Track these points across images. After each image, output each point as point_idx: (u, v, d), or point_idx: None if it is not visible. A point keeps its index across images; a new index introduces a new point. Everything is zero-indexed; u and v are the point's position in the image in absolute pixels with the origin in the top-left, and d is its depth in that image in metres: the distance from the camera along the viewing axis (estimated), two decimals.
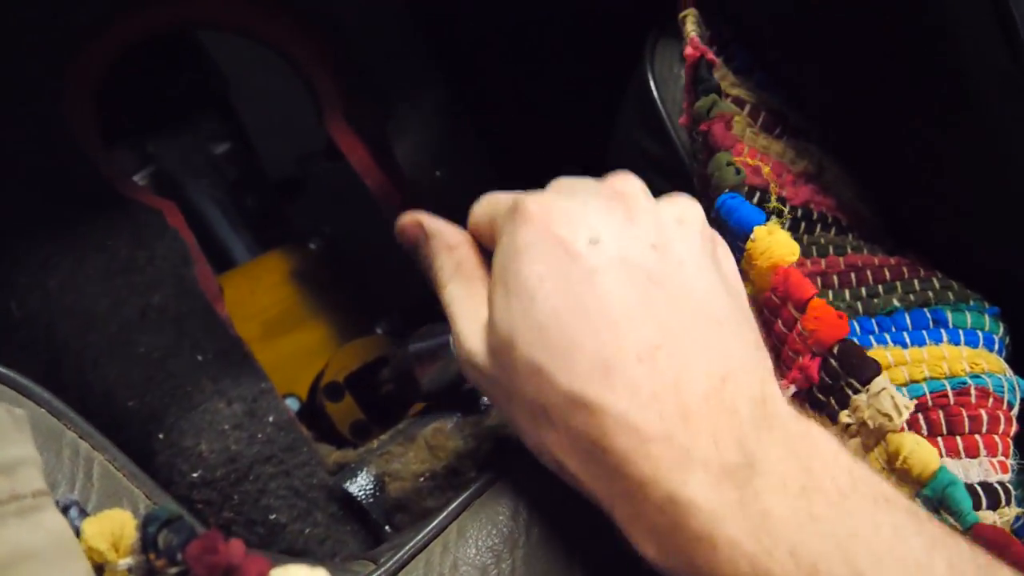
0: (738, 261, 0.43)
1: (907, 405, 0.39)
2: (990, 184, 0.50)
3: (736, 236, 0.45)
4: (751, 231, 0.44)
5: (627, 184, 0.37)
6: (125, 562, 0.32)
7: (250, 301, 0.70)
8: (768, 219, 0.45)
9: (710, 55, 0.52)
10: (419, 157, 0.62)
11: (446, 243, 0.42)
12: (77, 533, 0.32)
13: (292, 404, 0.65)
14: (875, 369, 0.39)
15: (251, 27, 0.66)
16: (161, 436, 0.52)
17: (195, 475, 0.51)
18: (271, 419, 0.53)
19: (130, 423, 0.52)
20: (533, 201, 0.36)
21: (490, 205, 0.40)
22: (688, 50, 0.52)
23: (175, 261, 0.55)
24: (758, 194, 0.54)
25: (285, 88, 0.77)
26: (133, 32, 0.60)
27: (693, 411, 0.31)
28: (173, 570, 0.31)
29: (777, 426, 0.32)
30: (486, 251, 0.42)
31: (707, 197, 0.48)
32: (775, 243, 0.43)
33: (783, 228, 0.44)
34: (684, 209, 0.38)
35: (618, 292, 0.33)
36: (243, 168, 0.79)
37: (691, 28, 0.54)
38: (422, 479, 0.52)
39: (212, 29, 0.70)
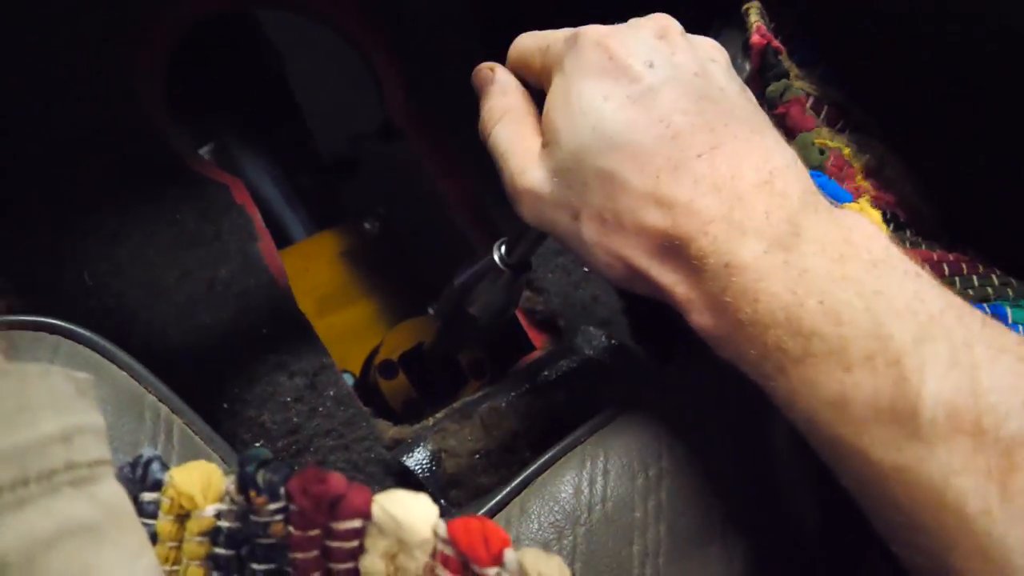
0: None
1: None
2: None
3: None
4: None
5: (669, 22, 0.41)
6: (213, 508, 0.33)
7: (305, 278, 0.71)
8: (855, 198, 0.45)
9: (776, 43, 0.52)
10: (479, 141, 0.63)
11: (500, 87, 0.44)
12: (158, 486, 0.33)
13: (347, 380, 0.66)
14: None
15: (314, 6, 0.66)
16: (225, 406, 0.53)
17: (257, 445, 0.53)
18: (331, 393, 0.54)
19: (195, 393, 0.53)
20: (593, 30, 0.40)
21: (541, 38, 0.43)
22: (755, 38, 0.52)
23: (241, 236, 0.56)
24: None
25: (340, 69, 0.78)
26: (200, 9, 0.61)
27: (748, 196, 0.36)
28: (273, 506, 0.31)
29: (823, 208, 0.36)
30: (530, 87, 0.44)
31: None
32: (869, 217, 0.44)
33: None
34: (715, 49, 0.42)
35: (679, 105, 0.37)
36: (299, 147, 0.80)
37: (755, 18, 0.55)
38: (477, 456, 0.53)
39: (275, 7, 0.71)
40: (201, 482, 0.33)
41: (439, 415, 0.56)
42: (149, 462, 0.34)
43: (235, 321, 0.54)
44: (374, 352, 0.66)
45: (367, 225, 0.74)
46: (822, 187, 0.46)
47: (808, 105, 0.56)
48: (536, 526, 0.41)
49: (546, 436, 0.52)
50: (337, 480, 0.30)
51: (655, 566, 0.41)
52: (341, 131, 0.84)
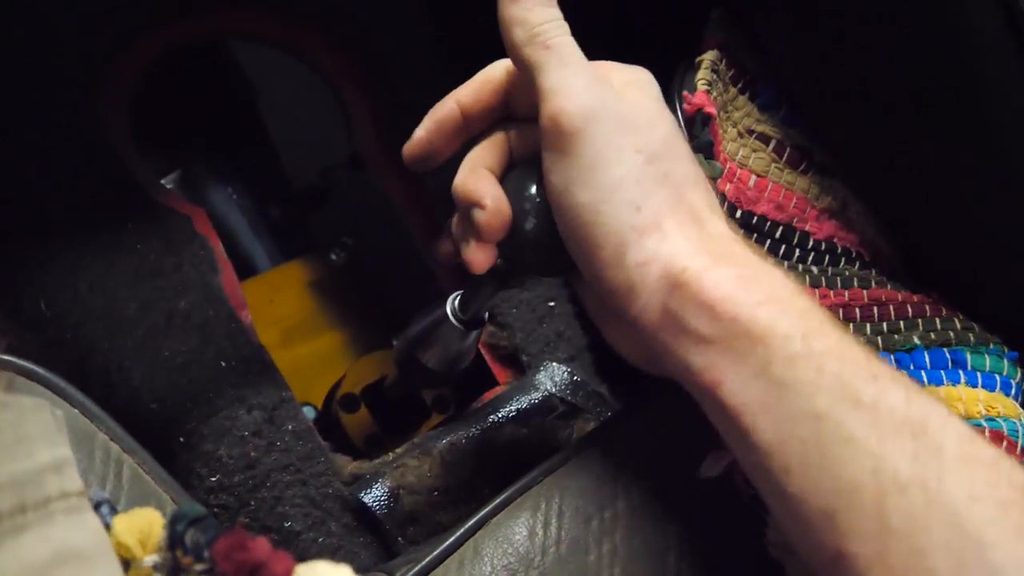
0: None
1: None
2: (1015, 229, 0.50)
3: None
4: None
5: None
6: (151, 559, 0.33)
7: (269, 309, 0.71)
8: None
9: (709, 108, 0.53)
10: (448, 172, 0.63)
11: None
12: (108, 529, 0.33)
13: (308, 413, 0.65)
14: None
15: (282, 40, 0.67)
16: (182, 440, 0.53)
17: (213, 479, 0.52)
18: (290, 427, 0.54)
19: (152, 426, 0.53)
20: None
21: None
22: (684, 105, 0.53)
23: (203, 268, 0.56)
24: (781, 228, 0.55)
25: (310, 99, 0.78)
26: (167, 42, 0.61)
27: None
28: (199, 567, 0.31)
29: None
30: None
31: None
32: None
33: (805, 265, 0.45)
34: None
35: None
36: (268, 176, 0.79)
37: (700, 76, 0.55)
38: (436, 493, 0.53)
39: (245, 40, 0.71)
40: (141, 532, 0.33)
41: (399, 450, 0.56)
42: (98, 505, 0.34)
43: (194, 354, 0.54)
44: (336, 385, 0.65)
45: (334, 256, 0.74)
46: None
47: (770, 148, 0.57)
48: (489, 568, 0.41)
49: (507, 474, 0.52)
50: (260, 547, 0.30)
51: None
52: (311, 161, 0.84)
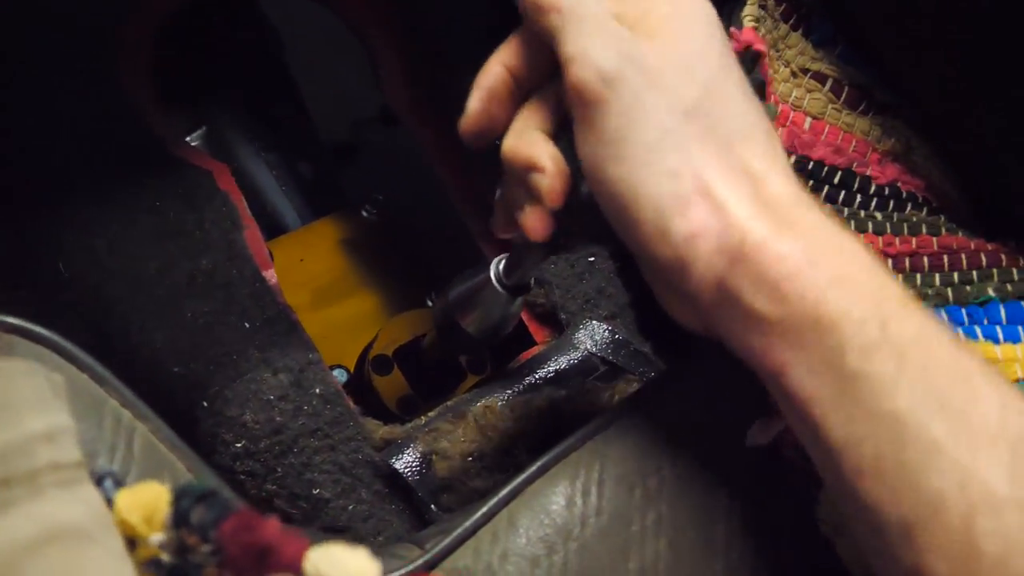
0: None
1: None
2: None
3: None
4: None
5: None
6: (157, 537, 0.30)
7: (300, 268, 0.69)
8: None
9: (758, 45, 0.49)
10: None
11: None
12: (110, 505, 0.31)
13: (339, 376, 0.63)
14: None
15: None
16: (205, 404, 0.51)
17: (239, 445, 0.50)
18: (318, 391, 0.52)
19: (175, 390, 0.51)
20: None
21: None
22: (732, 43, 0.48)
23: (225, 225, 0.54)
24: (840, 173, 0.51)
25: (340, 52, 0.75)
26: None
27: None
28: (206, 548, 0.29)
29: None
30: None
31: None
32: None
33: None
34: None
35: None
36: (297, 132, 0.77)
37: (747, 12, 0.51)
38: (470, 459, 0.50)
39: None
40: (146, 508, 0.31)
41: (432, 413, 0.54)
42: (101, 479, 0.32)
43: (217, 315, 0.52)
44: (369, 346, 0.63)
45: (365, 213, 0.72)
46: None
47: (827, 87, 0.52)
48: (524, 540, 0.39)
49: (545, 438, 0.49)
50: (269, 529, 0.27)
51: None
52: (342, 116, 0.82)
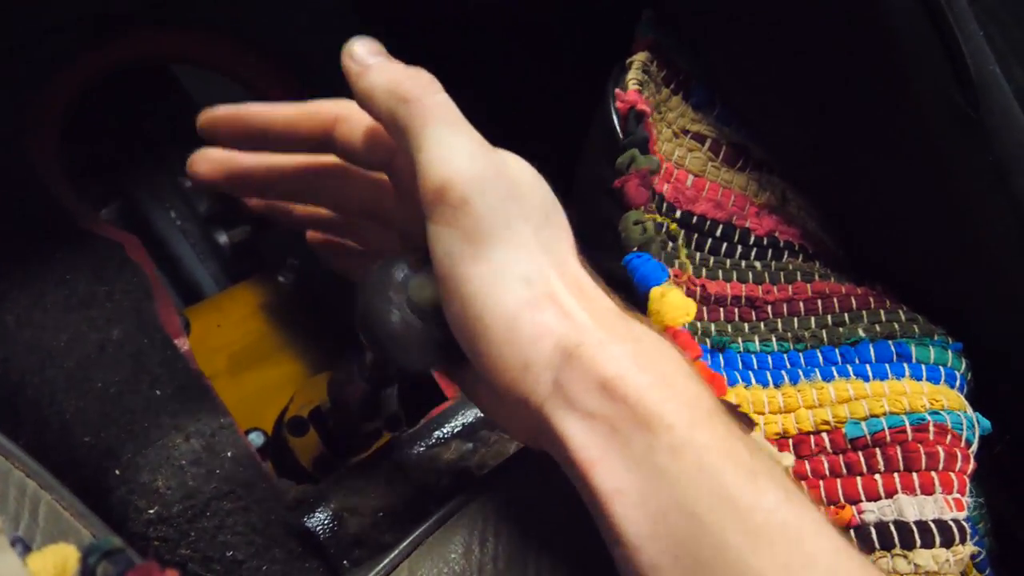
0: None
1: (786, 460, 0.40)
2: (947, 216, 0.50)
3: (639, 294, 0.47)
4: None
5: None
6: None
7: (217, 334, 0.69)
8: (667, 278, 0.46)
9: (642, 105, 0.52)
10: None
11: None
12: None
13: (256, 439, 0.64)
14: (750, 425, 0.40)
15: (219, 63, 0.66)
16: (118, 472, 0.51)
17: (151, 511, 0.51)
18: (230, 454, 0.53)
19: (87, 459, 0.52)
20: None
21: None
22: (617, 103, 0.52)
23: (136, 295, 0.55)
24: (721, 226, 0.54)
25: None
26: (97, 68, 0.60)
27: None
28: None
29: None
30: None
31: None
32: (667, 305, 0.45)
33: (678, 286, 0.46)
34: None
35: None
36: (214, 201, 0.78)
37: (631, 76, 0.54)
38: (380, 514, 0.51)
39: (179, 63, 0.70)
40: (56, 567, 0.32)
41: (343, 472, 0.55)
42: (12, 544, 0.33)
43: (128, 383, 0.53)
44: (285, 409, 0.64)
45: (282, 278, 0.73)
46: (638, 268, 0.47)
47: (706, 147, 0.56)
48: None
49: (452, 491, 0.51)
50: None
51: None
52: None
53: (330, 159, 0.43)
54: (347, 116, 0.41)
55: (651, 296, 0.47)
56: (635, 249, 0.49)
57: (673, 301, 0.45)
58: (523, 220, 0.36)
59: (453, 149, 0.36)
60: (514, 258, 0.35)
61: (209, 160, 0.45)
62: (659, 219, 0.51)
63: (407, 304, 0.39)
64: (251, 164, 0.45)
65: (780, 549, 0.31)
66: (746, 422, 0.37)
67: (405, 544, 0.41)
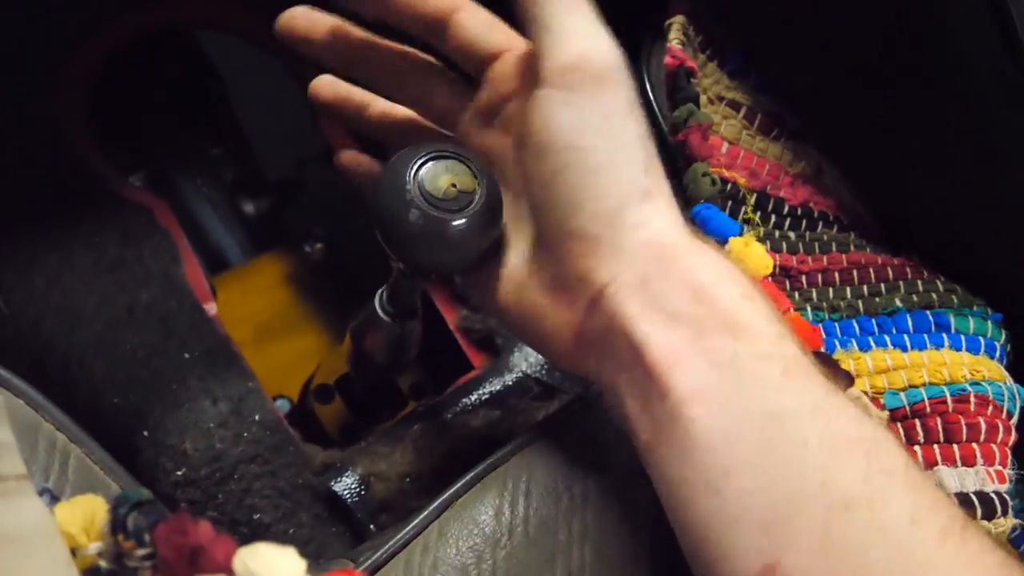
0: None
1: (880, 416, 0.39)
2: (988, 186, 0.49)
3: None
4: (726, 242, 0.45)
5: None
6: (95, 546, 0.31)
7: (243, 304, 0.69)
8: (743, 230, 0.45)
9: (690, 63, 0.52)
10: None
11: None
12: None
13: (283, 406, 0.64)
14: (848, 380, 0.39)
15: (244, 28, 0.65)
16: (146, 434, 0.51)
17: (179, 473, 0.51)
18: (257, 418, 0.53)
19: (115, 420, 0.52)
20: None
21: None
22: (667, 59, 0.51)
23: (164, 260, 0.55)
24: (755, 195, 0.54)
25: (284, 90, 0.76)
26: (125, 33, 0.60)
27: None
28: (141, 552, 0.30)
29: None
30: None
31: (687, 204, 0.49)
32: (750, 255, 0.44)
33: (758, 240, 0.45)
34: None
35: None
36: (240, 169, 0.78)
37: (673, 36, 0.54)
38: (408, 480, 0.51)
39: (205, 29, 0.70)
40: (84, 518, 0.32)
41: (371, 438, 0.55)
42: (39, 495, 0.33)
43: (156, 346, 0.53)
44: (311, 377, 0.64)
45: (308, 248, 0.73)
46: (710, 219, 0.46)
47: (741, 115, 0.55)
48: (454, 551, 0.40)
49: (479, 458, 0.50)
50: (201, 531, 0.29)
51: None
52: (285, 154, 0.83)
53: (426, 57, 0.43)
54: (467, 5, 0.41)
55: (732, 246, 0.46)
56: (703, 201, 0.48)
57: (757, 252, 0.44)
58: (641, 120, 0.36)
59: (594, 26, 0.36)
60: (640, 144, 0.36)
61: (309, 15, 0.43)
62: (726, 173, 0.50)
63: (422, 196, 0.38)
64: (352, 31, 0.43)
65: (859, 460, 0.31)
66: (844, 376, 0.37)
67: (435, 504, 0.41)
